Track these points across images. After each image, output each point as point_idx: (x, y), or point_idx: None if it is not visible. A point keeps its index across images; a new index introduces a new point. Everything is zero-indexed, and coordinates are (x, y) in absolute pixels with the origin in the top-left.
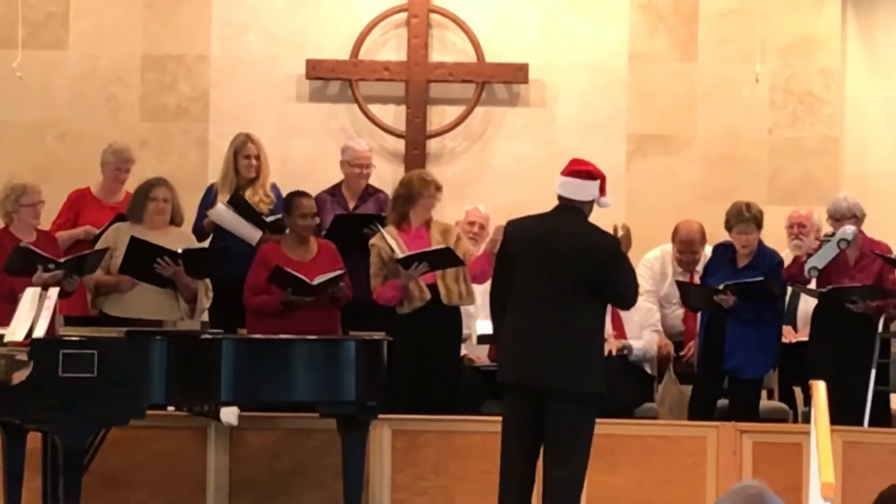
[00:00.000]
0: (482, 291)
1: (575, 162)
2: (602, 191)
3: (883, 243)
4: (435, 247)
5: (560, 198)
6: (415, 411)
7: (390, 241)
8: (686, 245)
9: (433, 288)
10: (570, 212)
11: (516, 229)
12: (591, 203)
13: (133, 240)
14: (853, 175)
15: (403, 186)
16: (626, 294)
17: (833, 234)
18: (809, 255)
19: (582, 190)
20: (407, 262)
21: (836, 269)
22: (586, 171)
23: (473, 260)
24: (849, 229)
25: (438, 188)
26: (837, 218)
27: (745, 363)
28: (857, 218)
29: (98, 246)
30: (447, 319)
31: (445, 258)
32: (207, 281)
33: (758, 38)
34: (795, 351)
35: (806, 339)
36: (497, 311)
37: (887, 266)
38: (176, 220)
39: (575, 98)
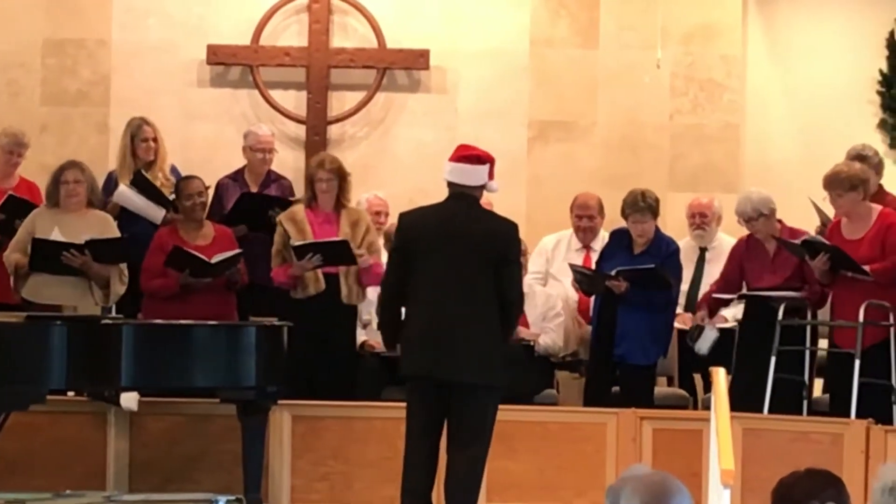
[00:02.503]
0: None
1: (462, 147)
2: (490, 175)
3: (803, 231)
4: (331, 238)
5: (450, 185)
6: (310, 398)
7: (287, 225)
8: (583, 209)
9: (335, 279)
10: (464, 199)
11: (412, 221)
12: (481, 188)
13: (35, 241)
14: (753, 162)
15: (307, 168)
16: (513, 289)
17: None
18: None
19: (472, 175)
20: (301, 251)
21: (758, 264)
22: (475, 155)
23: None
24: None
25: (331, 171)
26: (746, 219)
27: (634, 349)
28: (764, 216)
29: (19, 231)
30: (343, 309)
31: (340, 253)
32: (123, 266)
33: (659, 25)
34: None
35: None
36: (392, 304)
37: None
38: (94, 202)
39: (476, 84)
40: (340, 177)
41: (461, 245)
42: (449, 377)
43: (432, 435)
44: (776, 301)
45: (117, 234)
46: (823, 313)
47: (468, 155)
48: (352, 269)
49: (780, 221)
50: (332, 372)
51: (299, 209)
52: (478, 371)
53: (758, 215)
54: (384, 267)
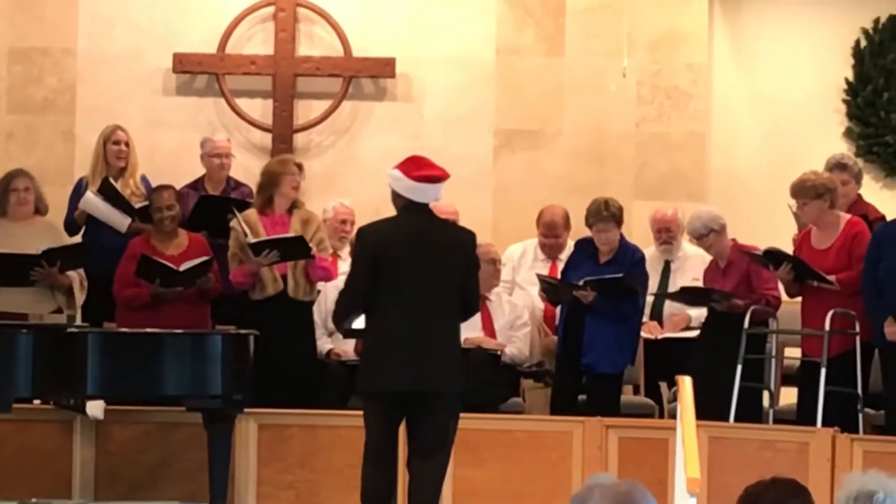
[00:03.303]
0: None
1: (419, 165)
2: None
3: (754, 247)
4: (286, 235)
5: (401, 197)
6: (275, 403)
7: (244, 226)
8: (549, 228)
9: (285, 279)
10: (423, 211)
11: (375, 235)
12: None
13: None
14: (719, 170)
15: (264, 171)
16: (475, 295)
17: None
18: None
19: (432, 193)
20: (258, 248)
21: (711, 277)
22: (436, 176)
23: (327, 260)
24: None
25: (299, 166)
26: (697, 237)
27: (602, 358)
28: (715, 231)
29: None
30: (301, 308)
31: (296, 248)
32: (82, 273)
33: (625, 33)
34: (661, 346)
35: (671, 335)
36: (350, 315)
37: (753, 267)
38: (40, 210)
39: (442, 92)
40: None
41: (429, 257)
42: (421, 388)
43: (394, 444)
44: (716, 303)
45: (67, 240)
46: (792, 322)
47: (431, 176)
48: (299, 265)
49: (733, 240)
50: (295, 374)
51: (252, 213)
52: (447, 379)
53: (708, 231)
54: (329, 262)
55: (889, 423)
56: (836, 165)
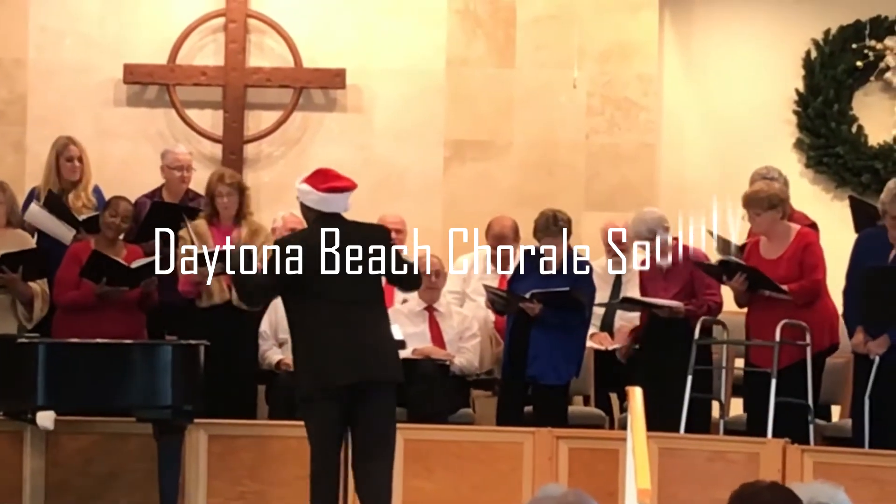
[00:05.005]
0: None
1: (326, 178)
2: None
3: (697, 248)
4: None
5: (311, 210)
6: (216, 412)
7: (192, 235)
8: (499, 239)
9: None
10: (335, 219)
11: (295, 243)
12: None
13: None
14: (669, 181)
15: (207, 182)
16: (410, 270)
17: None
18: None
19: (342, 202)
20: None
21: (650, 280)
22: (345, 186)
23: None
24: None
25: (231, 184)
26: (642, 240)
27: (547, 369)
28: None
29: None
30: (244, 321)
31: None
32: (45, 287)
33: (575, 44)
34: (611, 357)
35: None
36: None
37: (696, 273)
38: (13, 222)
39: (392, 103)
40: (240, 190)
41: (356, 257)
42: (373, 376)
43: (339, 448)
44: (659, 310)
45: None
46: (741, 332)
47: (340, 186)
48: None
49: (675, 239)
50: (237, 383)
51: (201, 223)
52: (395, 370)
53: (654, 236)
54: None
55: (855, 432)
56: (761, 179)
